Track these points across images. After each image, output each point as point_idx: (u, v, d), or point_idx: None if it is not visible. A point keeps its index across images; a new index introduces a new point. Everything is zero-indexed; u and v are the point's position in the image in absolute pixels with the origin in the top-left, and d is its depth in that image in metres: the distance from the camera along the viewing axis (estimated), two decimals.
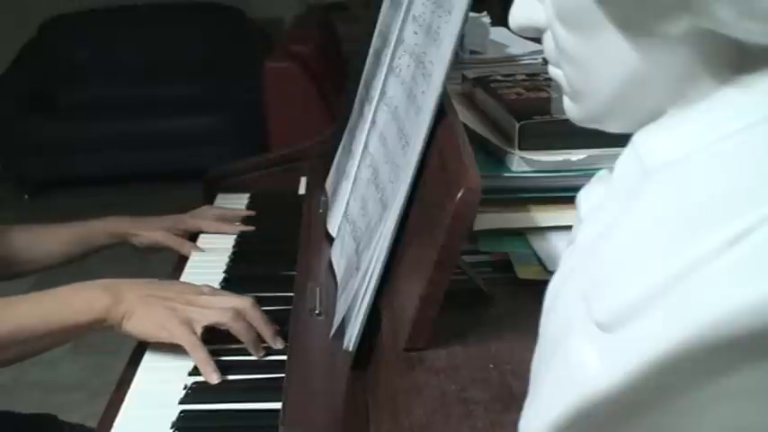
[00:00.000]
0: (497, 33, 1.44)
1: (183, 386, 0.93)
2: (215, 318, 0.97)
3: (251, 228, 1.37)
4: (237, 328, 0.96)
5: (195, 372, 0.95)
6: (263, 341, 0.98)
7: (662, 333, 0.36)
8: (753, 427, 0.38)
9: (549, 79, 0.68)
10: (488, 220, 0.90)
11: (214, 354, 0.96)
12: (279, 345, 0.98)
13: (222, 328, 0.97)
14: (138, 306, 0.96)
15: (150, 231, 1.33)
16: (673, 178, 0.40)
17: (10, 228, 1.30)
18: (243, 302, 0.98)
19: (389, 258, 0.81)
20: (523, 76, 1.09)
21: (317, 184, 1.30)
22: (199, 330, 0.96)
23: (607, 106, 0.45)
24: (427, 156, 0.79)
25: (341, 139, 1.20)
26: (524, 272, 0.88)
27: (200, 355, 0.94)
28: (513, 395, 0.67)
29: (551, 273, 0.50)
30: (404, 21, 0.95)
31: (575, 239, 0.49)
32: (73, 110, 3.85)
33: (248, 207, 1.46)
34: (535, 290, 0.52)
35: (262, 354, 0.98)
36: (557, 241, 0.89)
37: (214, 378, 0.94)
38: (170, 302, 0.97)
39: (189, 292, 1.00)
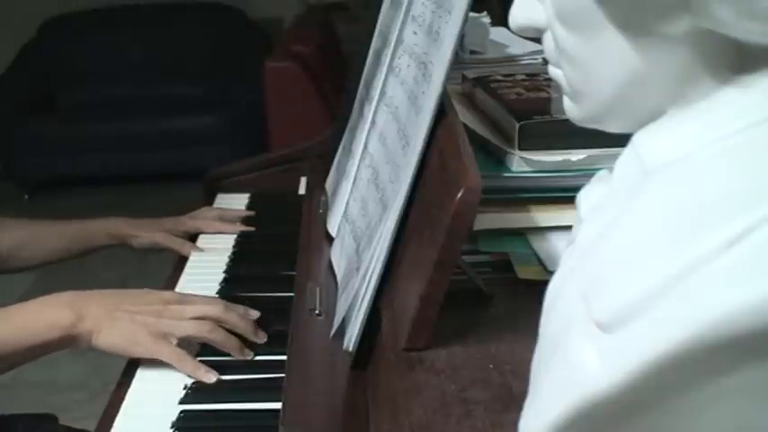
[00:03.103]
0: (497, 33, 1.44)
1: (183, 386, 0.93)
2: (190, 330, 0.95)
3: (251, 228, 1.37)
4: (216, 339, 0.95)
5: None
6: (244, 340, 0.97)
7: (662, 333, 0.36)
8: (753, 427, 0.38)
9: (549, 79, 0.68)
10: (488, 220, 0.90)
11: (213, 353, 0.96)
12: (262, 339, 0.98)
13: (199, 341, 0.96)
14: (104, 322, 0.93)
15: (149, 233, 1.33)
16: (673, 178, 0.40)
17: (8, 222, 1.30)
18: (214, 309, 0.96)
19: (389, 258, 0.81)
20: (523, 76, 1.09)
21: (317, 184, 1.30)
22: (174, 343, 0.94)
23: (607, 106, 0.45)
24: (427, 156, 0.79)
25: (341, 139, 1.20)
26: (524, 272, 0.88)
27: (188, 365, 0.93)
28: (513, 395, 0.67)
29: (551, 273, 0.50)
30: (404, 21, 0.95)
31: (575, 239, 0.49)
32: (73, 110, 3.85)
33: (248, 207, 1.46)
34: (535, 290, 0.52)
35: (250, 355, 0.96)
36: (557, 241, 0.89)
37: (211, 378, 0.93)
38: (140, 316, 0.94)
39: (157, 302, 0.97)
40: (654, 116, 0.43)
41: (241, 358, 0.96)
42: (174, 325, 0.95)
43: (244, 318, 0.98)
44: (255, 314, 1.00)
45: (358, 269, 0.87)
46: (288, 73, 2.93)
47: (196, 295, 1.02)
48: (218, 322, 0.96)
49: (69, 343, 0.94)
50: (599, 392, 0.38)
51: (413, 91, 0.86)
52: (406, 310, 0.76)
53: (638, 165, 0.43)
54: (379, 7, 1.10)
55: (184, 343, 0.95)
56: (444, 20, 0.80)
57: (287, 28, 3.79)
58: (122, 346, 0.94)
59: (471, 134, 0.89)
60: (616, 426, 0.39)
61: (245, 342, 0.98)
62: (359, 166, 1.02)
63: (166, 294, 1.01)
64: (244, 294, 1.10)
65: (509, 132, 0.93)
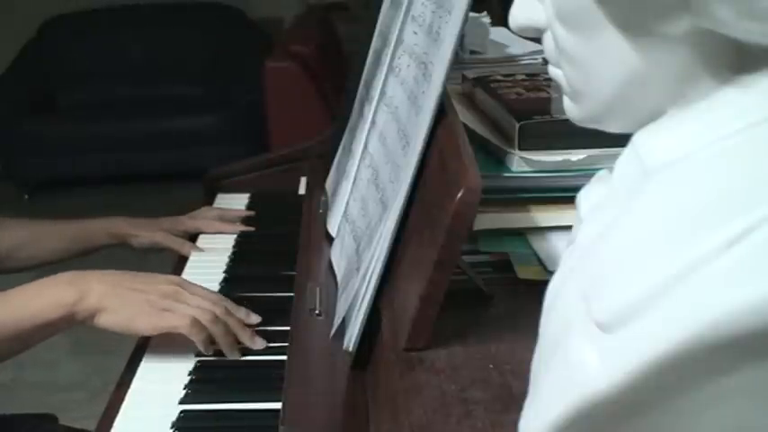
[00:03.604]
0: (497, 33, 1.44)
1: (182, 386, 0.93)
2: (191, 313, 0.94)
3: (251, 228, 1.37)
4: (214, 331, 0.95)
5: (195, 372, 0.95)
6: (239, 343, 0.97)
7: (662, 333, 0.36)
8: (753, 427, 0.38)
9: (549, 79, 0.68)
10: (488, 220, 0.90)
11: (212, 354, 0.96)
12: (259, 345, 0.97)
13: None
14: (109, 299, 0.93)
15: (149, 232, 1.33)
16: (673, 178, 0.40)
17: (9, 222, 1.30)
18: (217, 310, 0.96)
19: (389, 258, 0.81)
20: (523, 76, 1.09)
21: (317, 184, 1.30)
22: None
23: (607, 106, 0.45)
24: (427, 156, 0.79)
25: (341, 139, 1.20)
26: (524, 272, 0.88)
27: (198, 334, 0.93)
28: (513, 395, 0.67)
29: (551, 273, 0.50)
30: (404, 21, 0.95)
31: (575, 239, 0.49)
32: (73, 110, 3.86)
33: (248, 207, 1.46)
34: (535, 290, 0.52)
35: (239, 356, 0.96)
36: (557, 241, 0.89)
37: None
38: (144, 294, 0.94)
39: (160, 282, 0.97)
40: (654, 116, 0.43)
41: (231, 358, 0.96)
42: (176, 305, 0.94)
43: (242, 325, 0.98)
44: (256, 319, 1.01)
45: (358, 269, 0.87)
46: (288, 73, 2.93)
47: (201, 286, 1.01)
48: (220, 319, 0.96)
49: (71, 321, 0.93)
50: (599, 392, 0.38)
51: (413, 91, 0.86)
52: (406, 310, 0.76)
53: (638, 165, 0.43)
54: (379, 7, 1.10)
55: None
56: (444, 20, 0.80)
57: (287, 28, 3.80)
58: (125, 322, 0.93)
59: (471, 134, 0.89)
60: (616, 426, 0.39)
61: (240, 343, 0.97)
62: (359, 166, 1.02)
63: (169, 277, 1.01)
64: (244, 294, 1.10)
65: (509, 132, 0.93)
